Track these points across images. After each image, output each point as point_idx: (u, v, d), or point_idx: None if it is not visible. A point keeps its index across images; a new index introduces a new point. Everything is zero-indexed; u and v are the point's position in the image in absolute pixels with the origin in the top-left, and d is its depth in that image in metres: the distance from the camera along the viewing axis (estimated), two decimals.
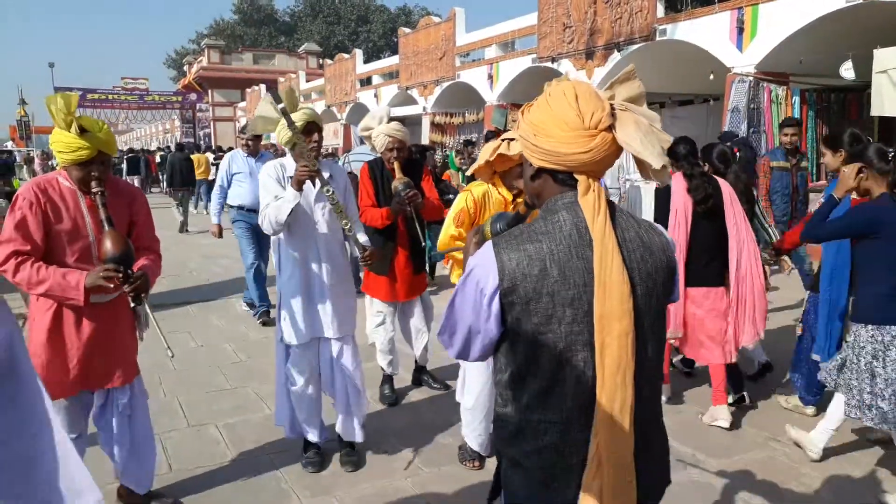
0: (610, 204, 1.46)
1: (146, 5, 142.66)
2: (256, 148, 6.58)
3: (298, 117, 3.12)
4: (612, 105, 1.46)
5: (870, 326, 3.20)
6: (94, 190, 2.57)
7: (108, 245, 2.45)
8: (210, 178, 15.62)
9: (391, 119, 4.08)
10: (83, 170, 2.56)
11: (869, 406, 3.16)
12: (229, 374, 4.97)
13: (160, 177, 23.87)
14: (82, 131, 2.50)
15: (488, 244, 1.46)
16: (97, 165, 2.58)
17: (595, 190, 1.43)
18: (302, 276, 3.27)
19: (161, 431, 3.88)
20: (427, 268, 4.32)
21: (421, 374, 4.61)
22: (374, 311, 4.29)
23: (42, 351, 2.58)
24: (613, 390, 1.36)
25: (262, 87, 33.32)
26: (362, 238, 3.37)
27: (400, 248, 4.15)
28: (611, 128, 1.43)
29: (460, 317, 1.50)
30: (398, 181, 3.87)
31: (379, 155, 4.10)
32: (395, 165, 3.96)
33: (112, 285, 2.47)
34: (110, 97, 36.81)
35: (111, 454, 2.93)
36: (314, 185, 3.20)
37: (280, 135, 3.16)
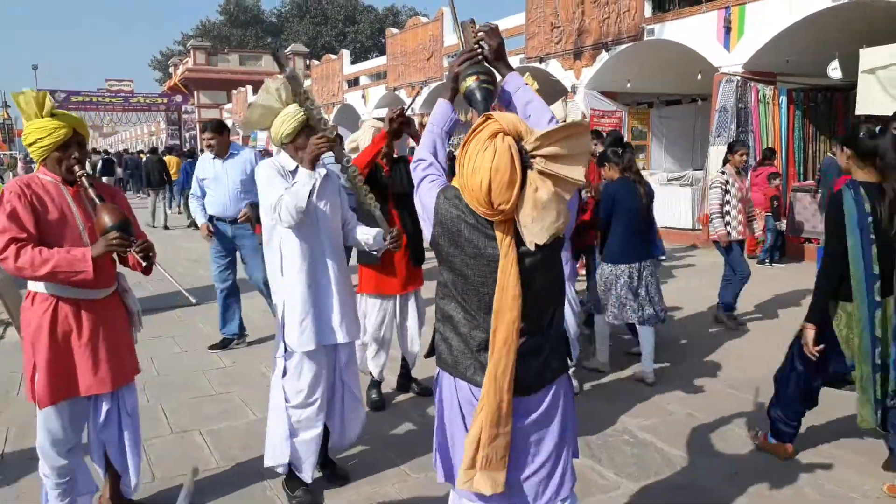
0: None
1: (131, 6, 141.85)
2: (222, 147, 5.45)
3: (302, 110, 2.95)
4: (526, 167, 1.71)
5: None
6: (78, 173, 2.54)
7: (105, 217, 2.43)
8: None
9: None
10: (64, 153, 2.53)
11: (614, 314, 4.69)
12: (213, 379, 4.88)
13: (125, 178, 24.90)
14: (53, 115, 2.52)
15: (434, 190, 1.96)
16: (75, 147, 2.56)
17: (506, 225, 1.79)
18: (309, 275, 3.03)
19: (144, 438, 3.74)
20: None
21: (407, 380, 4.55)
22: (370, 311, 4.16)
23: (44, 353, 2.51)
24: (499, 358, 1.85)
25: (249, 87, 33.16)
26: (366, 233, 3.23)
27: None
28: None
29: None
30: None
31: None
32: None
33: (119, 250, 2.46)
34: (94, 99, 36.50)
35: (115, 459, 2.83)
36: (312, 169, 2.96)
37: (281, 127, 2.94)
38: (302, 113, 2.92)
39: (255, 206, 5.11)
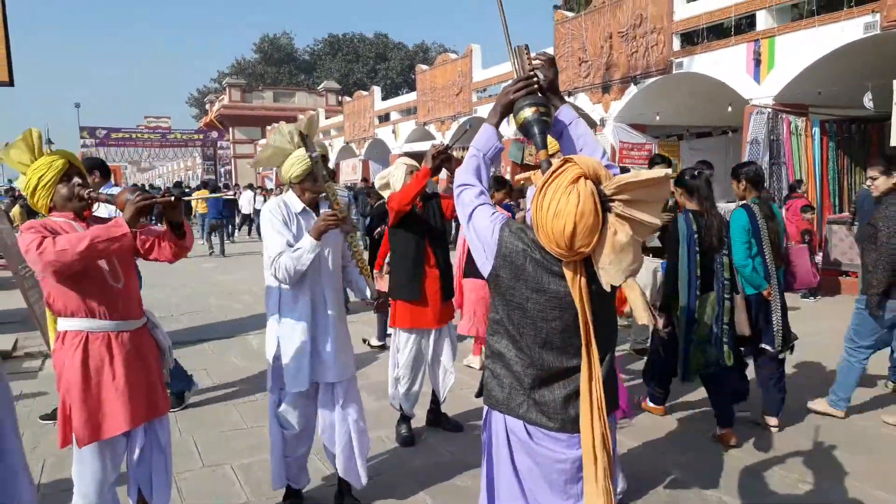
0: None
1: (170, 46, 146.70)
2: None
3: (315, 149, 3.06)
4: (606, 210, 1.71)
5: None
6: (85, 195, 2.59)
7: (126, 195, 2.46)
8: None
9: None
10: (68, 184, 2.59)
11: None
12: (245, 412, 4.92)
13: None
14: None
15: (495, 222, 1.96)
16: (77, 176, 2.62)
17: (576, 263, 1.80)
18: (309, 319, 3.12)
19: (176, 472, 3.82)
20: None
21: (437, 416, 4.52)
22: (404, 347, 4.15)
23: (78, 392, 2.52)
24: (592, 371, 1.84)
25: (283, 123, 33.75)
26: (359, 282, 3.35)
27: (429, 270, 4.09)
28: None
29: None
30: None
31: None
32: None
33: (145, 205, 2.44)
34: (134, 136, 37.61)
35: (147, 494, 2.83)
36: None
37: (290, 168, 3.06)
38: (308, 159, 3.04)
39: None
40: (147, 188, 25.69)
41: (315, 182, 3.08)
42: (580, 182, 1.70)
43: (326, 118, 31.26)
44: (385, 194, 4.22)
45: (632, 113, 13.09)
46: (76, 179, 2.61)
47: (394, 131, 22.88)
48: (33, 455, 4.04)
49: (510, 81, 2.15)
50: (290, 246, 2.99)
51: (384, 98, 25.55)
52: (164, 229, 2.70)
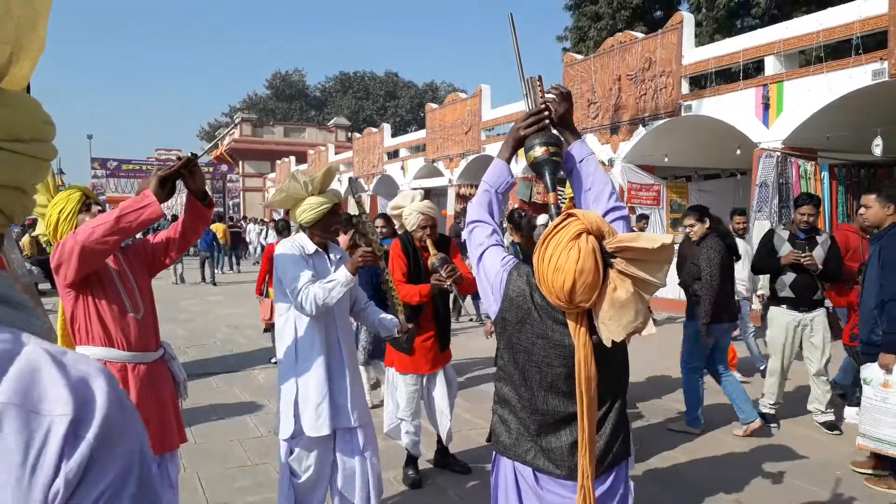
0: None
1: (183, 80, 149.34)
2: None
3: (329, 199, 3.08)
4: (607, 266, 1.68)
5: None
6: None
7: (146, 181, 2.49)
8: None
9: (424, 196, 4.15)
10: (88, 213, 2.67)
11: None
12: (250, 449, 4.86)
13: None
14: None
15: (504, 266, 1.96)
16: (94, 206, 2.70)
17: (579, 314, 1.76)
18: (326, 361, 3.07)
19: None
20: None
21: (444, 457, 4.46)
22: (400, 387, 4.14)
23: None
24: (586, 422, 1.79)
25: (292, 158, 34.19)
26: (380, 318, 3.31)
27: (425, 324, 4.05)
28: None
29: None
30: (434, 257, 3.78)
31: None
32: (429, 242, 3.94)
33: (168, 173, 2.48)
34: (144, 167, 37.95)
35: None
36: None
37: (303, 213, 3.07)
38: (325, 205, 3.06)
39: None
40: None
41: (324, 231, 3.13)
42: (581, 238, 1.68)
43: (336, 153, 31.56)
44: (396, 223, 4.24)
45: (640, 154, 13.17)
46: (96, 208, 2.69)
47: (402, 167, 23.05)
48: None
49: (521, 115, 2.09)
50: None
51: (393, 135, 25.81)
52: (175, 225, 2.76)
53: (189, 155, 2.55)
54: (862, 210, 4.57)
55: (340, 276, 2.92)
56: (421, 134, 22.45)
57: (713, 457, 4.76)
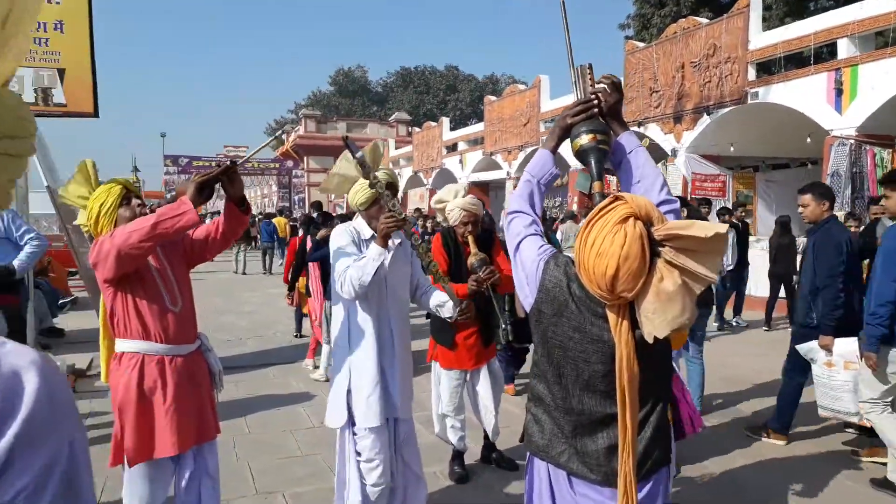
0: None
1: (250, 79, 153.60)
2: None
3: (381, 175, 2.93)
4: (654, 255, 1.57)
5: None
6: (147, 213, 2.67)
7: (186, 184, 2.53)
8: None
9: (468, 192, 4.05)
10: (128, 207, 2.70)
11: None
12: (302, 439, 4.93)
13: None
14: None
15: (542, 255, 1.89)
16: (135, 199, 2.72)
17: (620, 307, 1.65)
18: (377, 349, 2.98)
19: (229, 498, 3.86)
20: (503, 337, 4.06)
21: (490, 452, 4.40)
22: (444, 382, 4.10)
23: (132, 411, 2.57)
24: (627, 426, 1.68)
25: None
26: (440, 301, 3.15)
27: (465, 321, 3.82)
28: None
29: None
30: (474, 257, 3.62)
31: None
32: (470, 239, 3.81)
33: (206, 179, 2.49)
34: (213, 164, 39.13)
35: None
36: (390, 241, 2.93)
37: (356, 195, 2.98)
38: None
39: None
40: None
41: (381, 209, 2.95)
42: (629, 222, 1.56)
43: (396, 148, 31.81)
44: (439, 217, 4.17)
45: (705, 143, 12.75)
46: (136, 201, 2.72)
47: (461, 161, 23.04)
48: (96, 474, 4.14)
49: (570, 104, 2.02)
50: None
51: (452, 128, 25.82)
52: (216, 220, 2.76)
53: (228, 162, 2.58)
54: (800, 209, 4.67)
55: (371, 252, 2.82)
56: (479, 127, 22.38)
57: (774, 460, 4.56)
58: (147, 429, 2.59)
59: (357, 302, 2.97)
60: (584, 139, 1.91)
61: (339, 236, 3.01)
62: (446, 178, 24.09)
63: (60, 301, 10.42)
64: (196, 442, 2.72)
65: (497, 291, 3.62)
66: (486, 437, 4.38)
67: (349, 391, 2.98)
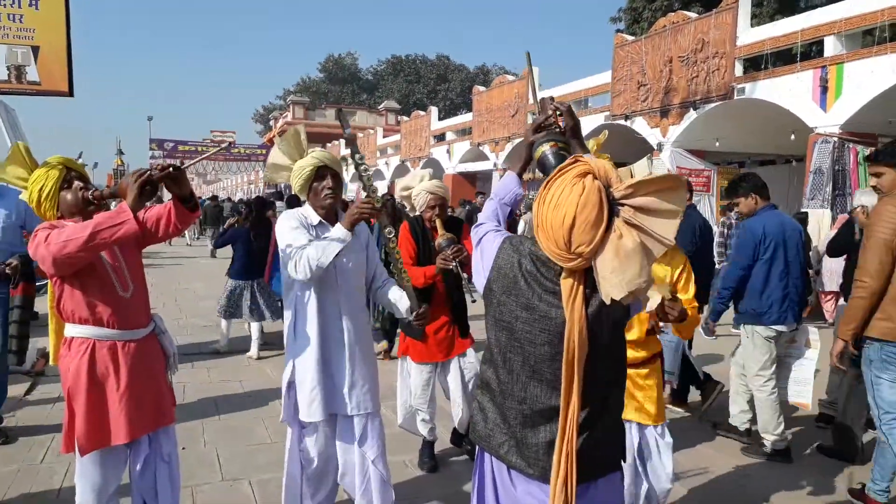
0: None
1: (239, 64, 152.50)
2: None
3: (308, 161, 2.85)
4: (613, 214, 1.57)
5: None
6: (90, 196, 2.54)
7: (128, 180, 2.37)
8: None
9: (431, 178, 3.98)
10: (70, 190, 2.56)
11: None
12: (272, 427, 4.87)
13: None
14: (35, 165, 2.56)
15: (499, 238, 1.89)
16: (76, 179, 2.58)
17: (574, 276, 1.64)
18: (319, 337, 2.86)
19: (195, 484, 3.81)
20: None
21: (460, 440, 4.32)
22: (414, 375, 4.00)
23: (82, 398, 2.49)
24: (570, 409, 1.65)
25: (342, 141, 34.43)
26: (397, 298, 3.05)
27: (437, 309, 3.83)
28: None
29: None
30: (441, 237, 3.65)
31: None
32: (437, 223, 3.78)
33: (143, 180, 2.33)
34: (200, 149, 38.86)
35: None
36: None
37: (293, 182, 2.89)
38: (309, 168, 2.84)
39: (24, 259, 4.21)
40: (208, 199, 26.37)
41: (317, 197, 2.87)
42: (588, 177, 1.59)
43: (384, 137, 31.66)
44: (406, 204, 4.11)
45: (691, 138, 12.75)
46: (77, 183, 2.58)
47: (448, 151, 22.97)
48: (61, 459, 4.08)
49: (530, 125, 2.13)
50: None
51: (441, 118, 25.73)
52: (168, 205, 2.60)
53: (170, 168, 2.41)
54: (738, 208, 4.76)
55: (336, 232, 2.70)
56: (468, 117, 22.32)
57: None
58: (99, 416, 2.51)
59: (303, 290, 2.87)
60: (545, 146, 2.02)
61: (289, 220, 2.87)
62: (434, 167, 24.02)
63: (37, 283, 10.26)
64: (151, 428, 2.65)
65: (466, 271, 3.56)
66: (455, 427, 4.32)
67: (291, 384, 2.91)
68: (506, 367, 1.80)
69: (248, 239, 7.35)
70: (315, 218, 2.91)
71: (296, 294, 2.91)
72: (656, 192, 1.54)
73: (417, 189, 3.89)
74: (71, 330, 2.55)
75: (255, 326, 7.16)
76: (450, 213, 4.08)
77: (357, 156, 2.86)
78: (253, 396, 5.65)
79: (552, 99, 2.17)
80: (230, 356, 7.06)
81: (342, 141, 34.66)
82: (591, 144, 2.21)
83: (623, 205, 1.56)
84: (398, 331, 3.90)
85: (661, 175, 1.55)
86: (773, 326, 4.38)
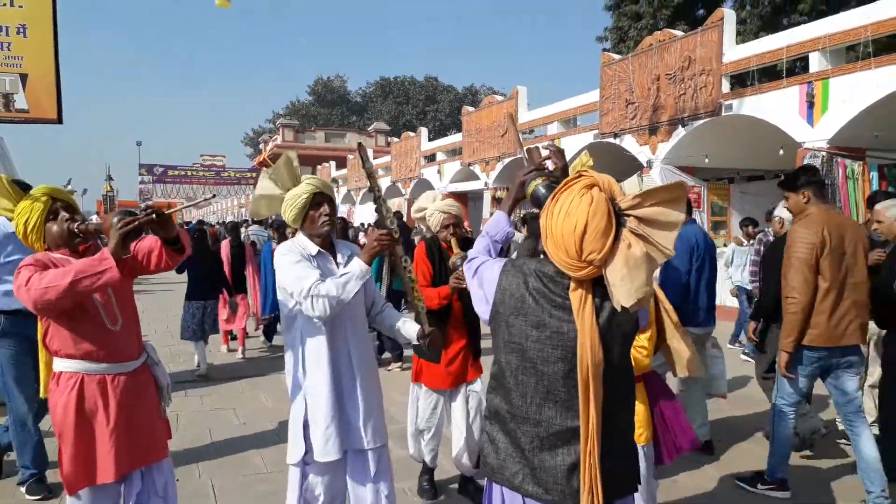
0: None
1: (228, 88, 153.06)
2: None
3: (303, 188, 2.74)
4: (620, 224, 1.64)
5: None
6: (75, 229, 2.49)
7: (112, 218, 2.29)
8: None
9: (444, 198, 3.98)
10: (55, 220, 2.51)
11: None
12: (267, 456, 4.80)
13: None
14: (24, 190, 2.51)
15: (499, 263, 1.90)
16: (62, 210, 2.53)
17: (583, 287, 1.69)
18: (334, 375, 2.74)
19: None
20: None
21: (465, 482, 4.06)
22: (422, 398, 3.91)
23: (70, 435, 2.42)
24: (589, 423, 1.65)
25: (333, 163, 34.49)
26: (400, 324, 2.97)
27: (453, 332, 3.78)
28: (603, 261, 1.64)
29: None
30: (456, 256, 3.59)
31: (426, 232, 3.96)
32: (452, 241, 3.74)
33: (129, 229, 2.24)
34: (189, 173, 38.88)
35: None
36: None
37: (287, 212, 2.76)
38: (304, 196, 2.73)
39: None
40: (192, 225, 26.26)
41: (314, 226, 2.77)
42: (594, 189, 1.67)
43: (374, 158, 31.72)
44: (423, 227, 4.07)
45: (679, 155, 12.82)
46: (63, 214, 2.52)
47: (439, 171, 23.01)
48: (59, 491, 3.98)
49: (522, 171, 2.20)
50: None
51: (431, 139, 25.81)
52: (157, 243, 2.52)
53: (153, 215, 2.32)
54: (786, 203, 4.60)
55: (354, 268, 2.60)
56: (457, 137, 22.38)
57: None
58: (86, 454, 2.43)
59: (309, 326, 2.74)
60: (538, 181, 2.10)
61: (290, 254, 2.72)
62: (424, 188, 24.04)
63: None
64: (142, 464, 2.57)
65: None
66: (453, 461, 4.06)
67: (305, 424, 2.75)
68: (518, 391, 1.78)
69: (195, 263, 7.44)
70: (313, 248, 2.80)
71: (299, 330, 2.79)
72: (661, 202, 1.61)
73: (431, 209, 3.87)
74: (59, 364, 2.49)
75: (201, 345, 7.52)
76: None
77: (376, 189, 2.82)
78: (248, 424, 5.57)
79: (538, 148, 2.30)
80: (222, 383, 6.97)
81: (332, 163, 34.79)
82: (577, 165, 2.25)
83: (629, 216, 1.63)
84: (402, 350, 3.77)
85: (667, 185, 1.63)
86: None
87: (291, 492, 2.86)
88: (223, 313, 8.27)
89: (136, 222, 2.26)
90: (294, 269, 2.65)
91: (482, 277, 1.92)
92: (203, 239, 8.12)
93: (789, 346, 3.81)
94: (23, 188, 2.65)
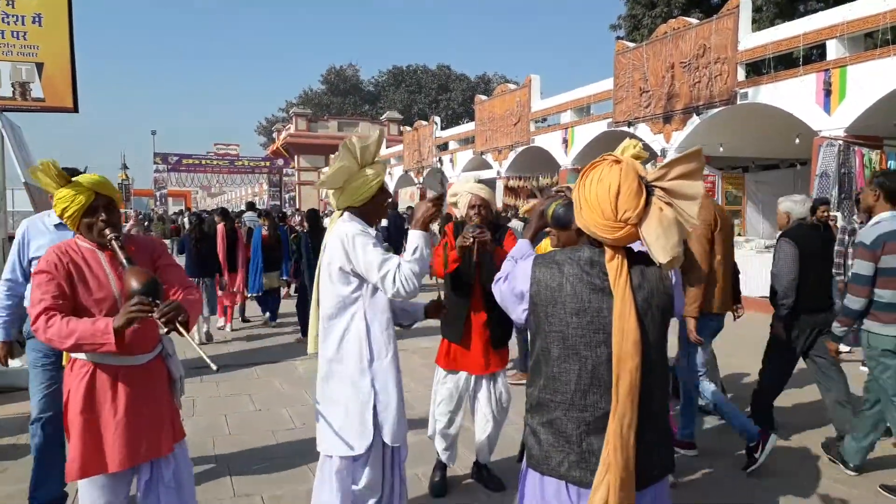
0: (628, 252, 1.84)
1: (241, 77, 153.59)
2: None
3: (378, 174, 2.78)
4: (649, 193, 1.77)
5: None
6: (108, 236, 2.49)
7: (131, 281, 2.31)
8: None
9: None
10: (92, 217, 2.51)
11: None
12: (283, 440, 4.85)
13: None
14: (70, 180, 2.50)
15: (529, 259, 1.97)
16: (102, 210, 2.52)
17: (619, 256, 1.80)
18: (394, 355, 2.75)
19: (206, 499, 3.78)
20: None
21: (479, 470, 4.08)
22: (443, 383, 3.87)
23: (78, 425, 2.45)
24: (623, 412, 1.70)
25: (347, 139, 34.43)
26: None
27: (473, 313, 3.74)
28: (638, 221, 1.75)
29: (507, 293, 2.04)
30: (471, 225, 3.59)
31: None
32: (476, 220, 3.73)
33: (140, 318, 2.26)
34: (204, 162, 39.04)
35: None
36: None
37: (360, 190, 2.75)
38: (379, 177, 2.78)
39: None
40: (203, 214, 26.34)
41: (377, 209, 2.83)
42: (623, 161, 1.80)
43: (387, 147, 31.72)
44: (455, 212, 4.04)
45: (694, 143, 12.68)
46: (101, 215, 2.52)
47: (452, 160, 22.99)
48: None
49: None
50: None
51: (444, 128, 25.78)
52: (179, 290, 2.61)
53: (166, 322, 2.26)
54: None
55: (418, 240, 2.62)
56: (470, 126, 22.35)
57: None
58: (94, 443, 2.45)
59: (370, 309, 2.73)
60: (553, 205, 2.30)
61: (361, 235, 2.66)
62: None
63: None
64: (148, 457, 2.56)
65: (485, 251, 3.52)
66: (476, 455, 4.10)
67: (375, 409, 2.71)
68: (562, 379, 1.82)
69: (191, 246, 8.60)
70: (371, 230, 2.78)
71: (362, 314, 2.73)
72: (681, 175, 1.74)
73: (462, 190, 3.87)
74: (74, 356, 2.52)
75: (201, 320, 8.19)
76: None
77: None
78: (263, 410, 5.63)
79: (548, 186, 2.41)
80: (237, 369, 7.04)
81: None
82: (627, 148, 2.14)
83: (655, 188, 1.76)
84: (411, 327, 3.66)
85: (686, 153, 1.76)
86: None
87: (330, 482, 2.76)
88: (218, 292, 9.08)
89: (149, 316, 2.27)
90: (372, 251, 2.62)
91: (514, 275, 1.98)
92: (201, 225, 8.84)
93: (694, 312, 4.11)
94: (72, 173, 2.66)
